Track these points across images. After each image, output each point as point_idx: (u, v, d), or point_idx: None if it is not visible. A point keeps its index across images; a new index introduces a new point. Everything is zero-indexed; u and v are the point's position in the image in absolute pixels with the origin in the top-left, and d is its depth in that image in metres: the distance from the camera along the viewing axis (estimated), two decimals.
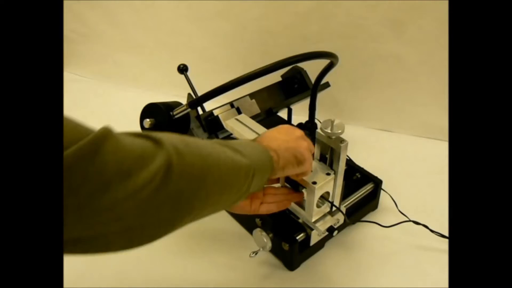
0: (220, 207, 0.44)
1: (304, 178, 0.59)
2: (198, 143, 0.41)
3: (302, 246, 0.69)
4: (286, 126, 0.57)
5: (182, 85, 0.82)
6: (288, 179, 0.64)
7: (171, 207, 0.36)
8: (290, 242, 0.67)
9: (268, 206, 0.59)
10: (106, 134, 0.31)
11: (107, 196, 0.30)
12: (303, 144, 0.55)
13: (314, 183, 0.59)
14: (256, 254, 0.68)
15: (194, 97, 0.77)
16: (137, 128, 0.71)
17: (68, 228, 0.30)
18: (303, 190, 0.62)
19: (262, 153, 0.49)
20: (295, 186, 0.63)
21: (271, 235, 0.67)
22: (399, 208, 0.79)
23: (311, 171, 0.58)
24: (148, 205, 0.33)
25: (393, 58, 0.97)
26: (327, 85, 0.93)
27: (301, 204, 0.64)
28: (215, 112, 0.78)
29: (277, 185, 0.65)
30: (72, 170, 0.28)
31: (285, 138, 0.54)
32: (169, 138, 0.37)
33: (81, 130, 0.30)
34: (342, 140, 0.59)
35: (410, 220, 0.76)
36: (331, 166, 0.62)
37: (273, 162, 0.50)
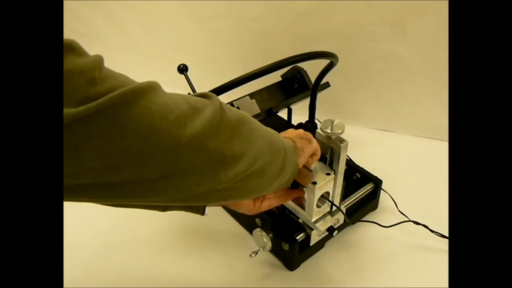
0: (272, 171, 0.47)
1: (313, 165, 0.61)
2: None
3: (302, 246, 0.69)
4: None
5: (182, 85, 0.82)
6: None
7: (238, 139, 0.40)
8: (290, 242, 0.67)
9: (269, 201, 0.61)
10: (156, 82, 0.35)
11: (189, 123, 0.35)
12: (300, 130, 0.59)
13: (314, 183, 0.59)
14: (256, 254, 0.68)
15: None
16: None
17: (161, 163, 0.34)
18: (303, 190, 0.62)
19: (279, 136, 0.52)
20: (295, 186, 0.63)
21: (271, 235, 0.67)
22: (399, 208, 0.79)
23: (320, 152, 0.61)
24: (220, 135, 0.38)
25: (393, 58, 0.97)
26: (327, 85, 0.93)
27: (301, 204, 0.64)
28: None
29: None
30: (155, 106, 0.33)
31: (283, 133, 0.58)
32: None
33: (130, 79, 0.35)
34: (342, 140, 0.59)
35: (410, 220, 0.76)
36: (331, 166, 0.62)
37: (291, 142, 0.53)
